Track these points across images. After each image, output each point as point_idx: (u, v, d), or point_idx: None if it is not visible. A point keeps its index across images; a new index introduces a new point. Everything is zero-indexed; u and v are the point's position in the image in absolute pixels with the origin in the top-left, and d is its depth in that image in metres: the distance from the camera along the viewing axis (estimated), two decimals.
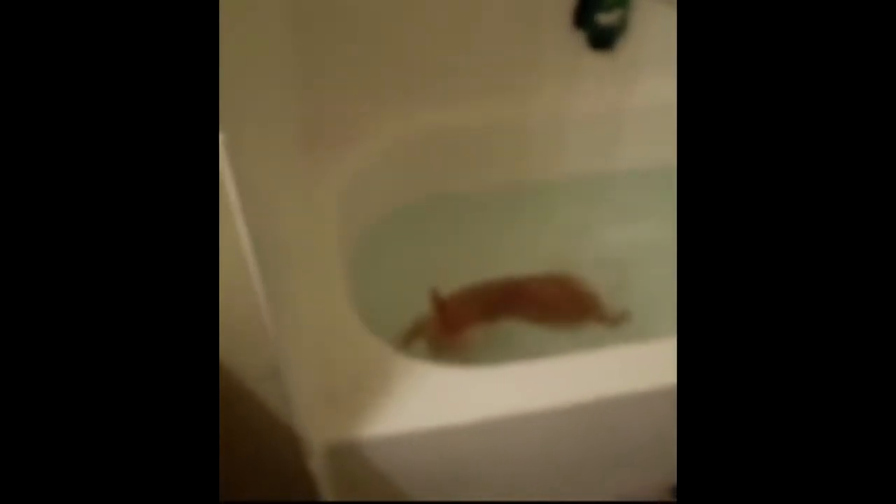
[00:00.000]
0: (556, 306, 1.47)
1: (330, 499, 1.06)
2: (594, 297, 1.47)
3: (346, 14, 1.41)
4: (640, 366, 1.13)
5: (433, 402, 1.07)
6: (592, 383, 1.11)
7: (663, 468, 1.33)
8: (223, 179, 0.65)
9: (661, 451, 1.27)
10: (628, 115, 1.68)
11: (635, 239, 1.70)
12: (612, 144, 1.72)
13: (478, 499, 1.23)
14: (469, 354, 1.37)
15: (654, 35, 1.57)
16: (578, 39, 1.55)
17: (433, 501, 1.20)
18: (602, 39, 1.55)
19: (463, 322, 1.35)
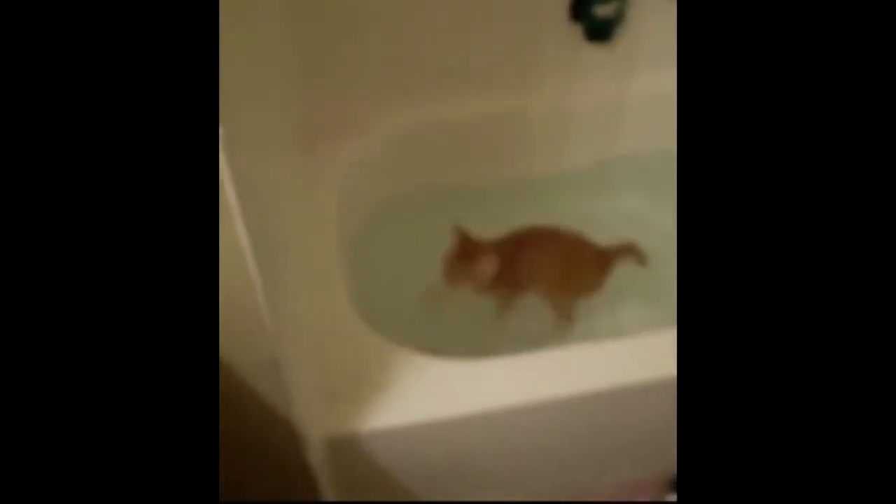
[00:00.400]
0: (574, 263, 1.48)
1: (330, 493, 1.07)
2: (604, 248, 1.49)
3: (344, 11, 1.41)
4: (640, 358, 1.14)
5: (432, 394, 1.08)
6: (592, 375, 1.12)
7: (663, 461, 1.33)
8: (222, 176, 0.65)
9: (660, 443, 1.28)
10: (627, 106, 1.68)
11: (635, 229, 1.70)
12: (611, 136, 1.72)
13: (477, 491, 1.24)
14: (482, 289, 1.39)
15: (652, 26, 1.57)
16: (575, 32, 1.55)
17: (432, 501, 1.20)
18: (599, 31, 1.55)
19: (480, 251, 1.37)
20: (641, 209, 1.75)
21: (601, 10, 1.52)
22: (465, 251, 1.37)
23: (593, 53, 1.58)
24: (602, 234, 1.54)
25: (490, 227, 1.67)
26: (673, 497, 1.34)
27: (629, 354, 1.15)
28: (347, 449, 1.06)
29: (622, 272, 1.50)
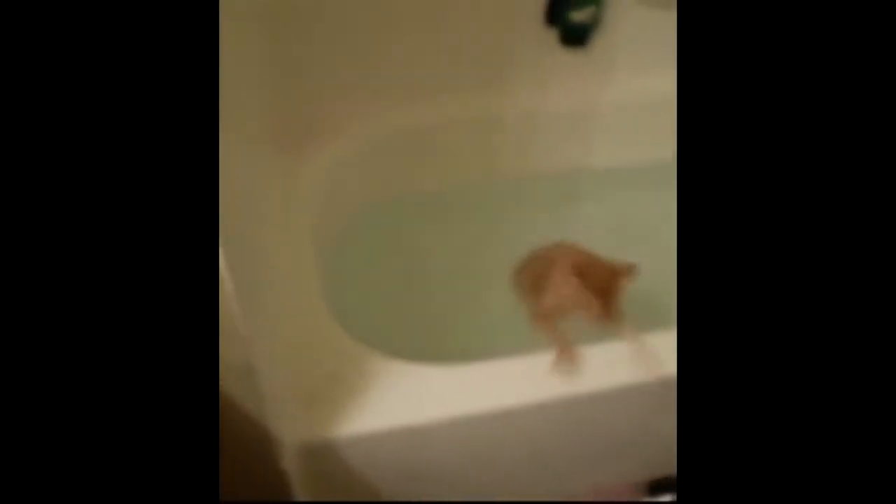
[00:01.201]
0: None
1: (304, 498, 1.06)
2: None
3: (319, 15, 1.41)
4: (616, 362, 1.14)
5: (407, 400, 1.07)
6: (568, 379, 1.12)
7: (638, 464, 1.34)
8: None
9: (635, 447, 1.28)
10: (601, 111, 1.69)
11: (612, 234, 1.71)
12: (586, 141, 1.73)
13: (454, 496, 1.23)
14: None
15: (627, 32, 1.58)
16: (551, 37, 1.56)
17: (412, 501, 1.20)
18: (574, 36, 1.56)
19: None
20: (618, 214, 1.76)
21: (577, 16, 1.52)
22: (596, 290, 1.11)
23: (568, 58, 1.59)
24: (577, 237, 1.54)
25: (464, 230, 1.68)
26: (649, 500, 1.34)
27: (605, 359, 1.15)
28: (322, 454, 1.05)
29: None
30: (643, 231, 1.71)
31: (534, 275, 1.29)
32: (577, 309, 1.12)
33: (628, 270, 1.10)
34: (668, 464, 1.32)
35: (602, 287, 1.09)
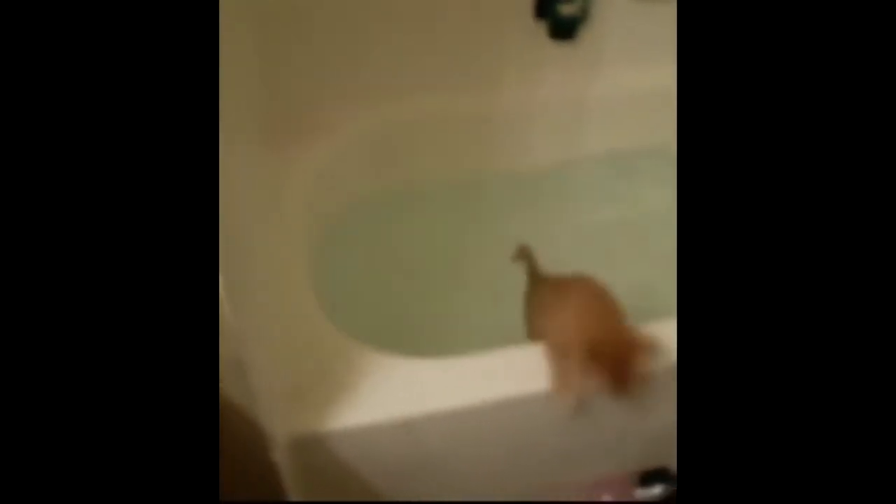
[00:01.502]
0: None
1: (295, 494, 1.06)
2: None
3: (307, 12, 1.40)
4: None
5: (397, 393, 1.07)
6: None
7: (629, 456, 1.34)
8: None
9: (627, 439, 1.28)
10: (591, 104, 1.69)
11: (602, 227, 1.71)
12: (576, 133, 1.73)
13: (444, 491, 1.23)
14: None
15: (616, 24, 1.58)
16: (540, 30, 1.56)
17: (399, 501, 1.20)
18: (563, 30, 1.56)
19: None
20: (608, 205, 1.76)
21: (565, 9, 1.53)
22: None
23: (557, 51, 1.59)
24: (567, 230, 1.54)
25: (455, 224, 1.67)
26: (640, 492, 1.35)
27: None
28: (313, 449, 1.05)
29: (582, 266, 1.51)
30: (633, 222, 1.71)
31: (543, 303, 1.24)
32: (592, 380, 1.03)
33: (647, 347, 1.02)
34: (659, 455, 1.33)
35: (618, 360, 1.01)
